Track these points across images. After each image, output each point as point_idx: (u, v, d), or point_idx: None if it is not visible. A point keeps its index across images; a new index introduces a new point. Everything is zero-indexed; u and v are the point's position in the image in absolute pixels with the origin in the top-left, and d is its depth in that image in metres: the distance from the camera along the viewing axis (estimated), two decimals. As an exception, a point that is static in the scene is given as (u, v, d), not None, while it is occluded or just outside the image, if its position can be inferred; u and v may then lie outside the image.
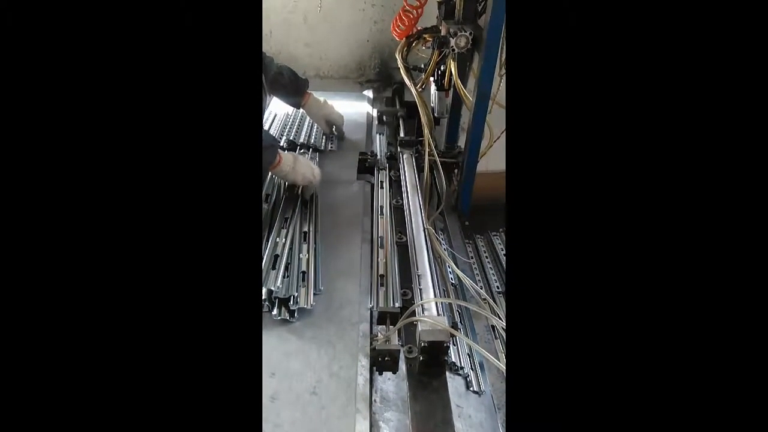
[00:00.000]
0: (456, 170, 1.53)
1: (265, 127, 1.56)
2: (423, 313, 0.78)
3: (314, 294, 0.93)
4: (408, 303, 0.91)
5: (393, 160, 1.44)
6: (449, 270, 1.07)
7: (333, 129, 1.54)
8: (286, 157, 1.17)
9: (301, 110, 1.54)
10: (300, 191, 1.23)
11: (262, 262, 0.96)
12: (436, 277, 0.90)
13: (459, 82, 1.25)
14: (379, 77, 2.11)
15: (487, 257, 1.44)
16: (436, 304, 0.82)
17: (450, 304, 1.00)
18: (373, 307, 0.95)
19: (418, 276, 0.90)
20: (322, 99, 1.51)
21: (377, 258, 1.04)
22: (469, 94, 1.25)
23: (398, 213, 1.22)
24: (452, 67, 1.23)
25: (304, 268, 0.99)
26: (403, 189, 1.28)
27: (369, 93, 1.94)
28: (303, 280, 0.97)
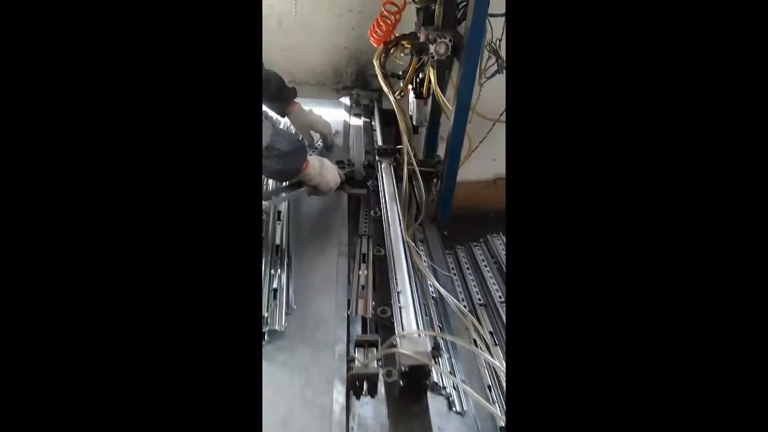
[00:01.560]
0: (435, 180, 1.50)
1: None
2: (403, 342, 0.73)
3: (287, 314, 0.87)
4: (387, 321, 0.86)
5: (371, 169, 1.39)
6: (430, 284, 1.03)
7: (317, 139, 1.47)
8: (312, 161, 1.09)
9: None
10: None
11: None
12: (416, 294, 0.85)
13: (438, 90, 1.22)
14: (356, 84, 2.06)
15: (468, 268, 1.41)
16: (418, 326, 0.77)
17: (430, 316, 0.95)
18: (351, 313, 0.89)
19: (398, 293, 0.85)
20: (308, 108, 1.45)
21: (358, 271, 0.99)
22: (447, 102, 1.23)
23: (376, 224, 1.17)
24: (431, 74, 1.20)
25: (276, 285, 0.92)
26: (382, 199, 1.23)
27: (346, 100, 1.90)
28: (275, 298, 0.90)
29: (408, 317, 0.79)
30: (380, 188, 1.28)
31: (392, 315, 0.86)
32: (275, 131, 1.02)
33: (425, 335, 0.75)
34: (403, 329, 0.78)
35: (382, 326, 0.87)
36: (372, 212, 1.22)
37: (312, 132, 1.46)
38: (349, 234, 1.17)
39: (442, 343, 0.80)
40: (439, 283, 0.99)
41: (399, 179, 1.32)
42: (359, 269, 1.03)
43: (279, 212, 1.18)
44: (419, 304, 0.83)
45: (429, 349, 0.72)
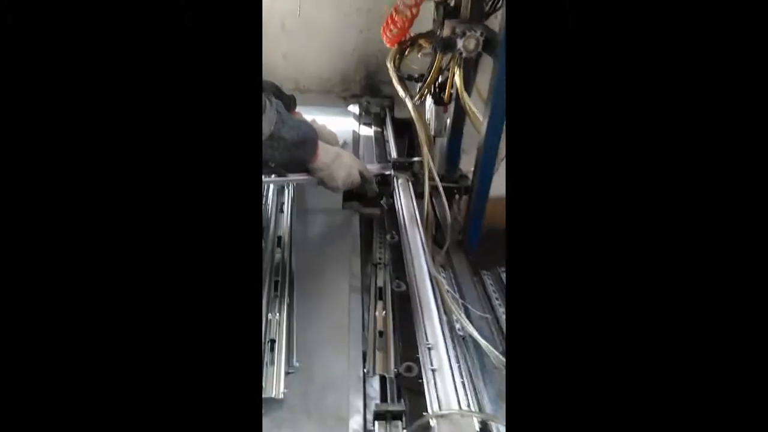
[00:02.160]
0: (458, 197, 1.32)
1: None
2: (441, 424, 0.54)
3: (286, 374, 0.69)
4: (413, 382, 0.68)
5: (385, 186, 1.21)
6: (456, 322, 0.84)
7: None
8: (322, 154, 0.97)
9: None
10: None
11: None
12: (450, 350, 0.67)
13: (465, 94, 1.04)
14: (366, 91, 1.91)
15: (497, 298, 1.22)
16: (459, 402, 0.58)
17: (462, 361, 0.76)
18: (368, 371, 0.71)
19: (428, 349, 0.67)
20: (311, 118, 1.29)
21: (374, 312, 0.81)
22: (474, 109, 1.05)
23: (393, 251, 0.99)
24: (457, 75, 1.03)
25: (273, 334, 0.74)
26: (400, 221, 1.06)
27: (355, 108, 1.73)
28: (271, 350, 0.72)
29: (443, 385, 0.61)
30: (397, 208, 1.10)
31: (420, 374, 0.67)
32: (279, 118, 0.89)
33: (468, 411, 0.57)
34: (438, 401, 0.59)
35: (408, 389, 0.68)
36: (388, 236, 1.04)
37: None
38: (362, 262, 0.99)
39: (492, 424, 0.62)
40: (473, 325, 0.81)
41: (418, 196, 1.15)
42: (375, 309, 0.84)
43: (279, 237, 1.01)
44: (456, 363, 0.65)
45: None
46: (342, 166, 1.01)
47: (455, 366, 0.64)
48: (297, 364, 0.71)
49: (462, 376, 0.66)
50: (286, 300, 0.82)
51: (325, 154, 0.98)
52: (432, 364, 0.64)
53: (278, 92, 1.21)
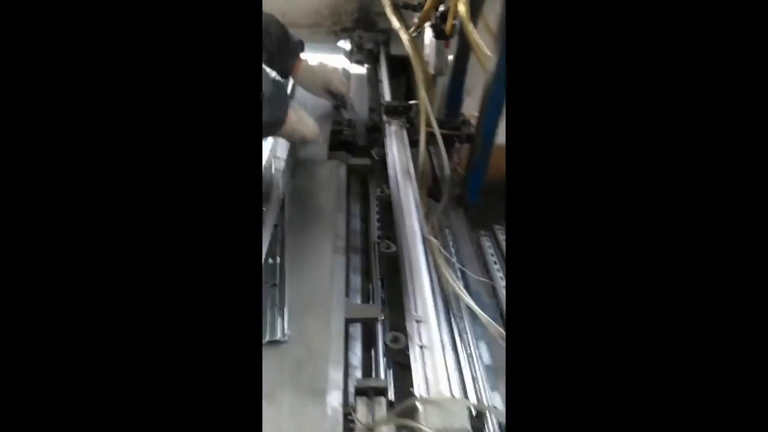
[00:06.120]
0: (458, 145, 1.20)
1: None
2: (429, 410, 0.47)
3: (280, 342, 0.62)
4: (401, 355, 0.61)
5: (376, 133, 1.09)
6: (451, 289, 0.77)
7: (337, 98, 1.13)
8: (294, 111, 0.87)
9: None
10: None
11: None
12: (444, 325, 0.59)
13: (470, 24, 0.89)
14: (358, 25, 1.72)
15: (495, 263, 1.14)
16: (450, 387, 0.51)
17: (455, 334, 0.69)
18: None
19: (417, 322, 0.59)
20: (316, 62, 1.11)
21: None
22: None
23: (384, 207, 0.89)
24: (461, 1, 0.87)
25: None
26: (391, 173, 0.95)
27: (346, 44, 1.56)
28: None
29: (433, 365, 0.54)
30: (388, 158, 0.99)
31: (407, 347, 0.60)
32: None
33: (461, 398, 0.50)
34: (426, 383, 0.52)
35: (395, 362, 0.61)
36: (378, 190, 0.94)
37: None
38: (348, 218, 0.90)
39: (486, 398, 0.55)
40: (470, 291, 0.73)
41: (413, 145, 1.03)
42: (359, 275, 0.75)
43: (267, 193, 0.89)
44: (449, 339, 0.57)
45: (468, 425, 0.47)
46: (306, 115, 0.90)
47: (448, 343, 0.56)
48: (289, 333, 0.63)
49: (456, 353, 0.58)
50: (278, 260, 0.74)
51: (294, 114, 0.86)
52: (421, 340, 0.56)
53: (282, 32, 1.01)
